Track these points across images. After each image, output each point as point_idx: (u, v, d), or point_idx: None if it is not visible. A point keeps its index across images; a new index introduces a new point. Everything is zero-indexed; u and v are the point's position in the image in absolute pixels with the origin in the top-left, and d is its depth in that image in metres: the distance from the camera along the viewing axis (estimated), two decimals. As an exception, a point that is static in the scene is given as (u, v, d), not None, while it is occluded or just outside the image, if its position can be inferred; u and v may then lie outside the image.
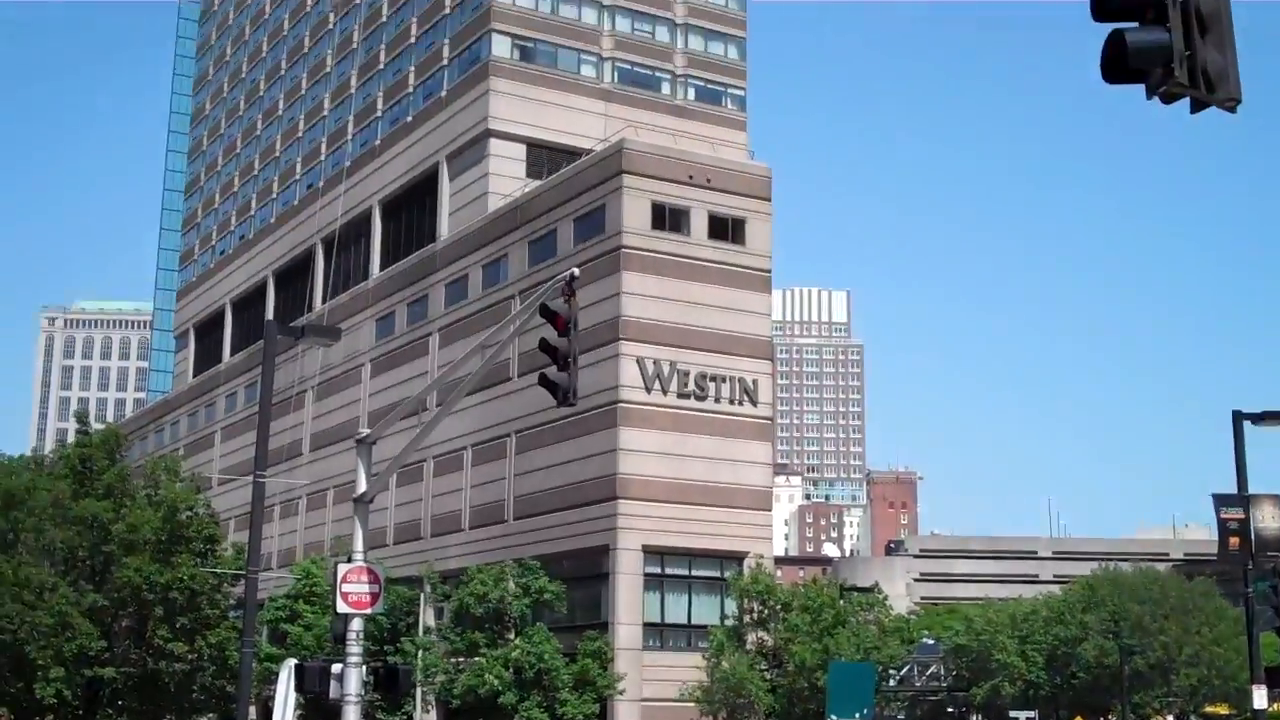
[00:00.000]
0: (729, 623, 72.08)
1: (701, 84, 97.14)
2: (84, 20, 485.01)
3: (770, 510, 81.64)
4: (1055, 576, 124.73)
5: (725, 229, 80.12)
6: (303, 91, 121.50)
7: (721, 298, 78.72)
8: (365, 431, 29.82)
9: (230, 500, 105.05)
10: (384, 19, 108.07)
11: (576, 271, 24.22)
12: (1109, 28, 11.57)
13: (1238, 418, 35.94)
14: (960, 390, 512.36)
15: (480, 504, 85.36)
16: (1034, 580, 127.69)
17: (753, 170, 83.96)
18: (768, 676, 67.56)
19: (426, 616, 74.73)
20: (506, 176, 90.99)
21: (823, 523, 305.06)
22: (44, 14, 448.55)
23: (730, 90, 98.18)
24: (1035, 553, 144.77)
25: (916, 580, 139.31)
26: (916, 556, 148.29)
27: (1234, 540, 34.67)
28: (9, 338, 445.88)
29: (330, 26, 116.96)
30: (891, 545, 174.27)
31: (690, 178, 79.68)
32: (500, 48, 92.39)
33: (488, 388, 79.10)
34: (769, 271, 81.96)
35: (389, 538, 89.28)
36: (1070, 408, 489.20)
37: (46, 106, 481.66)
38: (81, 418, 65.24)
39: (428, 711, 73.51)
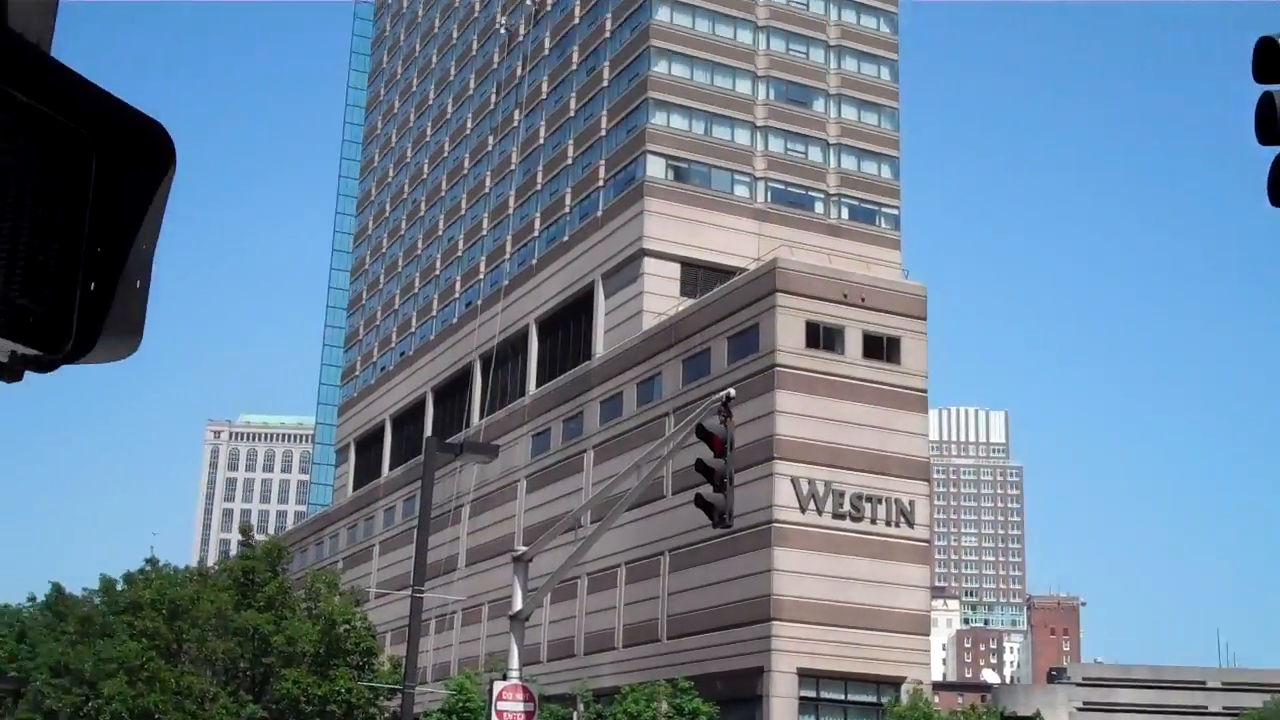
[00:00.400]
0: (885, 749, 70.54)
1: (855, 203, 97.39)
2: (245, 139, 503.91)
3: (928, 634, 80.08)
4: (1225, 709, 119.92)
5: (880, 348, 79.73)
6: (462, 212, 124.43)
7: (877, 417, 78.12)
8: (521, 549, 30.02)
9: (387, 614, 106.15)
10: (541, 141, 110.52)
11: (733, 392, 24.31)
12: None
13: None
14: (1124, 513, 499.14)
15: (633, 622, 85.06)
16: (1202, 712, 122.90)
17: (907, 289, 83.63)
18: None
19: (578, 735, 74.35)
20: (661, 295, 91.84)
21: (982, 648, 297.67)
22: (211, 146, 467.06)
23: (884, 209, 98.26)
24: (1204, 683, 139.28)
25: (1080, 709, 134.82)
26: (1079, 685, 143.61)
27: None
28: (177, 450, 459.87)
29: (489, 149, 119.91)
30: (1053, 673, 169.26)
31: (844, 296, 79.61)
32: (655, 169, 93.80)
33: (642, 505, 79.13)
34: (925, 391, 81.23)
35: (543, 654, 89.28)
36: (1240, 532, 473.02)
37: (216, 232, 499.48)
38: (246, 530, 66.80)
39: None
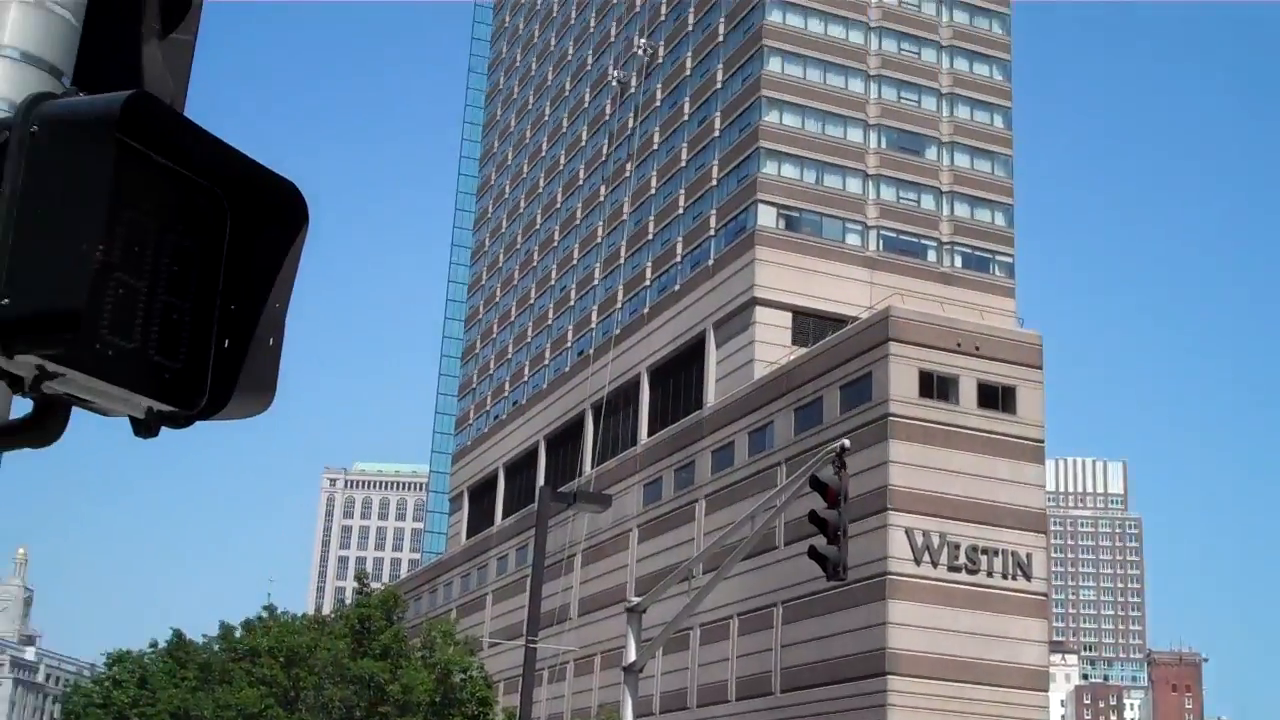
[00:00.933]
0: (1003, 807, 69.14)
1: (968, 251, 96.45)
2: (361, 194, 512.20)
3: (1046, 690, 78.48)
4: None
5: (995, 397, 78.70)
6: (575, 261, 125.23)
7: (992, 468, 77.03)
8: (635, 599, 29.91)
9: (499, 663, 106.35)
10: (653, 191, 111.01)
11: (848, 443, 24.08)
12: None
13: None
14: (1247, 566, 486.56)
15: (747, 675, 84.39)
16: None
17: (1022, 338, 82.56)
18: None
19: (690, 788, 73.80)
20: (772, 344, 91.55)
21: (1101, 705, 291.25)
22: (327, 200, 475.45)
23: (998, 257, 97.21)
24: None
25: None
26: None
27: None
28: (294, 498, 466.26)
29: (601, 200, 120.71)
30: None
31: (958, 345, 78.77)
32: (766, 218, 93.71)
33: (754, 556, 78.65)
34: (1041, 441, 79.97)
35: (655, 706, 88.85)
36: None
37: (331, 282, 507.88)
38: (362, 577, 67.34)
39: None
